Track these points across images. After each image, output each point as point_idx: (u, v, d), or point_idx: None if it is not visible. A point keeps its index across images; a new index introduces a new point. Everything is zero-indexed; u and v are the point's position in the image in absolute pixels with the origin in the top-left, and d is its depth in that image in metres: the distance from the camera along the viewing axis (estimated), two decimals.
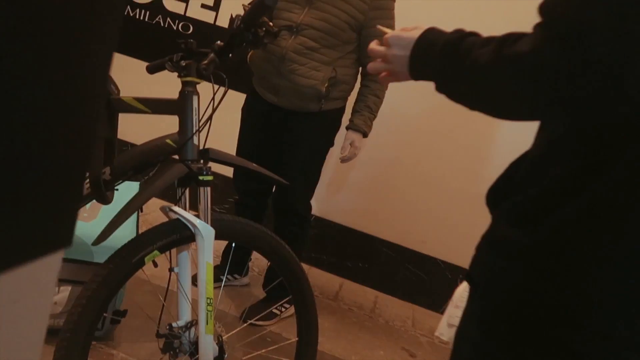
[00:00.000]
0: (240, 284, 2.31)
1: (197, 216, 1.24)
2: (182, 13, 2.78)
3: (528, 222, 0.66)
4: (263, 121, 1.97)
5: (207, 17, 2.76)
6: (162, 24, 2.81)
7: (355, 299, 2.58)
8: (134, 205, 1.18)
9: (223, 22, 2.75)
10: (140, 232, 1.59)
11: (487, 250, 0.73)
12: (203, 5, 2.76)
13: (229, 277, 2.24)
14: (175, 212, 1.23)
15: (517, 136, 2.46)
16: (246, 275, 2.33)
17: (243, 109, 2.07)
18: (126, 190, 1.53)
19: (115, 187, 1.37)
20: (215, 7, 2.75)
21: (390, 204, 2.70)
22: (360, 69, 1.97)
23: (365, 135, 1.95)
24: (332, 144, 2.03)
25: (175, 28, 2.80)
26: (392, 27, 1.84)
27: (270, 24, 1.28)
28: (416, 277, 2.73)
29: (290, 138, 1.94)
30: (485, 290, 0.72)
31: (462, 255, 2.65)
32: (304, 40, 1.80)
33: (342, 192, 2.75)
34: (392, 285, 2.74)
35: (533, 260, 0.65)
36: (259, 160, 1.98)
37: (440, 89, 0.74)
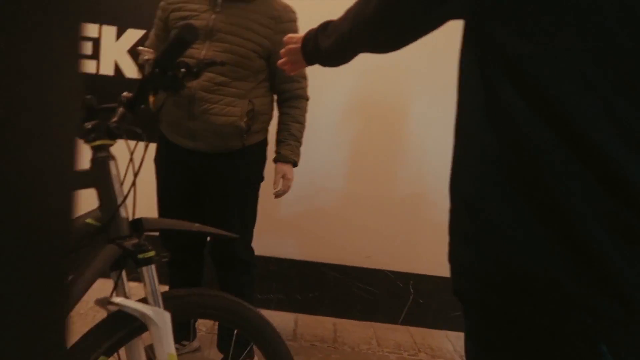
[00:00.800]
0: (190, 350, 2.06)
1: (144, 300, 1.04)
2: None
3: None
4: (181, 169, 1.77)
5: (88, 67, 2.49)
6: None
7: (314, 332, 2.44)
8: None
9: (107, 70, 2.49)
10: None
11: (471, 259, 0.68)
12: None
13: (176, 346, 2.00)
14: (116, 304, 1.02)
15: (428, 136, 2.52)
16: (195, 339, 2.09)
17: (156, 160, 1.85)
18: None
19: None
20: (95, 55, 2.49)
21: (326, 226, 2.60)
22: (276, 96, 1.86)
23: (295, 164, 1.83)
24: (262, 179, 1.88)
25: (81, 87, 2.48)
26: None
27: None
28: (369, 294, 2.65)
29: (217, 182, 1.76)
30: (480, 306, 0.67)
31: (408, 261, 2.62)
32: (211, 77, 1.64)
33: (274, 223, 2.60)
34: (347, 308, 2.64)
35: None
36: (185, 212, 1.80)
37: (328, 54, 0.94)
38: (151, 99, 1.75)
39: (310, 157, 2.49)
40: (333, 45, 0.91)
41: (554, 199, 0.57)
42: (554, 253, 0.57)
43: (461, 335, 1.29)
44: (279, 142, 1.82)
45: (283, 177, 1.80)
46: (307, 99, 1.87)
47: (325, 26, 0.95)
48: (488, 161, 0.62)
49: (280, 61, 1.14)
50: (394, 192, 2.56)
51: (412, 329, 2.61)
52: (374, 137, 2.54)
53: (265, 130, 1.85)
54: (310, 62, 1.05)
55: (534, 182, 0.58)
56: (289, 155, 1.80)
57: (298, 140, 1.83)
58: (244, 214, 1.83)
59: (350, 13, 0.85)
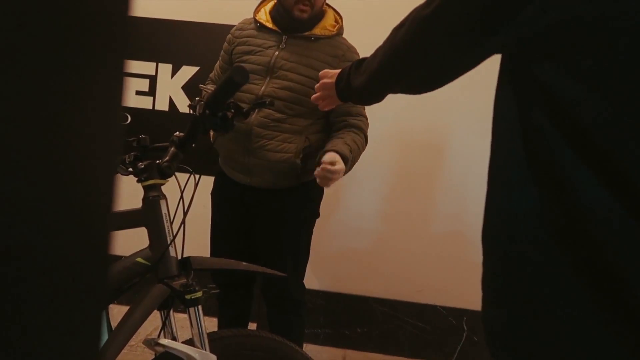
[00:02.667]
0: None
1: (191, 342, 1.03)
2: None
3: None
4: (235, 204, 1.76)
5: (144, 103, 2.59)
6: None
7: None
8: (111, 354, 0.95)
9: (162, 106, 2.59)
10: None
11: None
12: (138, 92, 2.59)
13: None
14: (163, 345, 1.02)
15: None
16: None
17: (213, 194, 1.85)
18: None
19: None
20: (152, 92, 2.59)
21: (376, 259, 2.55)
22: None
23: (346, 161, 1.55)
24: (317, 215, 1.84)
25: (123, 121, 2.60)
26: None
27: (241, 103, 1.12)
28: (419, 330, 2.55)
29: (271, 219, 1.74)
30: None
31: (461, 297, 2.52)
32: (269, 113, 1.64)
33: (322, 256, 2.57)
34: (397, 345, 2.55)
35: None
36: (237, 247, 1.78)
37: (359, 92, 0.92)
38: (212, 132, 1.77)
39: (360, 188, 2.46)
40: (364, 83, 0.88)
41: (612, 273, 0.50)
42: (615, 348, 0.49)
43: None
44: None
45: (331, 163, 1.51)
46: (365, 133, 1.71)
47: (359, 63, 0.93)
48: (527, 217, 0.55)
49: (314, 96, 1.12)
50: (450, 226, 2.48)
51: None
52: (439, 171, 2.49)
53: None
54: (343, 99, 1.03)
55: (588, 248, 0.51)
56: (343, 149, 1.56)
57: (352, 150, 1.61)
58: (298, 253, 1.79)
59: (379, 49, 0.81)
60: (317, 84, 1.09)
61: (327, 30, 1.71)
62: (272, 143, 1.64)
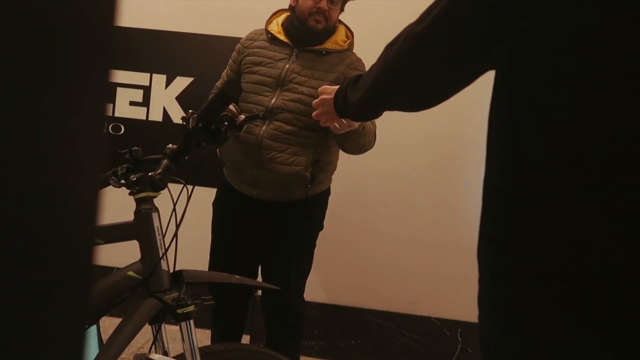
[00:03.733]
0: None
1: (182, 357, 1.02)
2: (111, 114, 2.59)
3: None
4: (240, 216, 1.74)
5: (138, 114, 2.59)
6: None
7: None
8: None
9: (156, 116, 2.58)
10: None
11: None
12: (132, 103, 2.59)
13: None
14: None
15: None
16: None
17: (215, 204, 1.82)
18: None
19: None
20: (146, 103, 2.59)
21: (370, 271, 2.54)
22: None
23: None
24: (322, 227, 1.83)
25: (104, 131, 2.59)
26: None
27: (242, 115, 1.11)
28: (414, 342, 2.54)
29: (277, 231, 1.72)
30: None
31: (455, 309, 2.51)
32: (279, 125, 1.62)
33: (316, 267, 2.56)
34: (391, 357, 2.53)
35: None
36: (239, 259, 1.76)
37: (356, 108, 0.91)
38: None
39: (353, 200, 2.46)
40: (360, 99, 0.87)
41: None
42: None
43: None
44: None
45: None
46: (373, 132, 1.68)
47: (356, 80, 0.93)
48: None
49: (315, 113, 1.12)
50: (439, 235, 2.48)
51: None
52: (431, 181, 2.49)
53: (329, 180, 1.81)
54: (341, 115, 1.03)
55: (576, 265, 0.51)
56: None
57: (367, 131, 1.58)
58: (302, 265, 1.78)
59: (374, 66, 0.81)
60: (316, 100, 1.08)
61: (338, 45, 1.72)
62: (283, 156, 1.62)
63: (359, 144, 1.61)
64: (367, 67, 1.70)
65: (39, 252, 0.27)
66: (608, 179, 0.49)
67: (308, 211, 1.73)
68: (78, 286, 0.29)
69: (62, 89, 0.27)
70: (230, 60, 1.81)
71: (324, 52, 1.69)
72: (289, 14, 1.73)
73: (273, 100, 1.63)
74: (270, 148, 1.62)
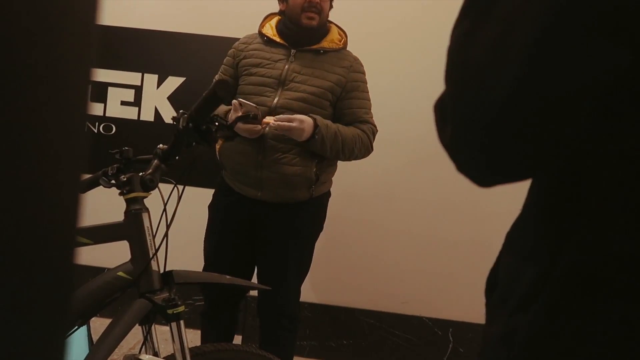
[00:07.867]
0: None
1: (172, 358, 1.02)
2: (102, 114, 2.58)
3: None
4: (240, 218, 1.72)
5: (130, 113, 2.58)
6: None
7: None
8: None
9: (147, 116, 2.57)
10: None
11: None
12: (123, 103, 2.58)
13: None
14: None
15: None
16: None
17: (213, 207, 1.79)
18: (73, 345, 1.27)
19: None
20: (137, 102, 2.58)
21: (362, 270, 2.55)
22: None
23: (313, 135, 1.56)
24: (321, 229, 1.83)
25: (95, 131, 2.58)
26: (367, 99, 1.76)
27: (241, 111, 1.10)
28: (405, 342, 2.55)
29: (278, 233, 1.70)
30: None
31: (447, 308, 2.52)
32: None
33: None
34: (383, 356, 2.54)
35: None
36: (236, 260, 1.74)
37: None
38: (217, 146, 1.74)
39: (345, 201, 2.46)
40: None
41: None
42: None
43: None
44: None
45: (291, 119, 1.52)
46: (369, 137, 1.71)
47: None
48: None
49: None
50: (429, 234, 2.49)
51: None
52: (413, 177, 2.50)
53: (330, 182, 1.82)
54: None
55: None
56: (322, 120, 1.58)
57: (340, 133, 1.63)
58: (301, 267, 1.77)
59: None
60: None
61: (334, 44, 1.74)
62: (288, 156, 1.62)
63: (335, 149, 1.63)
64: (364, 66, 1.74)
65: (15, 255, 0.26)
66: None
67: (310, 212, 1.73)
68: (58, 289, 0.29)
69: (40, 86, 0.27)
70: (223, 65, 1.80)
71: (321, 51, 1.70)
72: (280, 17, 1.74)
73: (275, 100, 1.64)
74: (275, 149, 1.62)
